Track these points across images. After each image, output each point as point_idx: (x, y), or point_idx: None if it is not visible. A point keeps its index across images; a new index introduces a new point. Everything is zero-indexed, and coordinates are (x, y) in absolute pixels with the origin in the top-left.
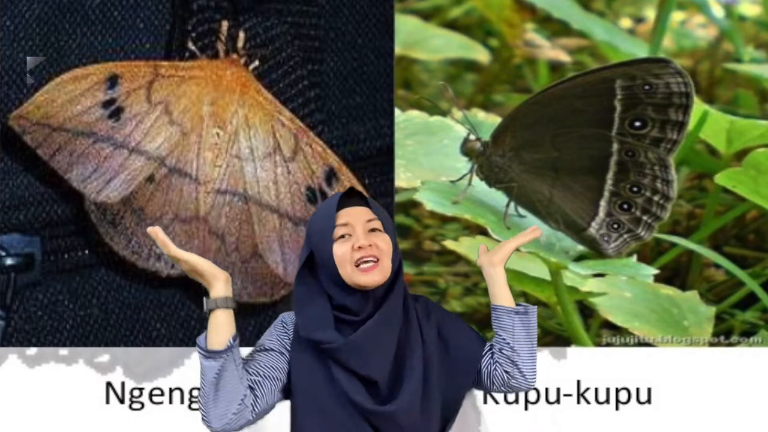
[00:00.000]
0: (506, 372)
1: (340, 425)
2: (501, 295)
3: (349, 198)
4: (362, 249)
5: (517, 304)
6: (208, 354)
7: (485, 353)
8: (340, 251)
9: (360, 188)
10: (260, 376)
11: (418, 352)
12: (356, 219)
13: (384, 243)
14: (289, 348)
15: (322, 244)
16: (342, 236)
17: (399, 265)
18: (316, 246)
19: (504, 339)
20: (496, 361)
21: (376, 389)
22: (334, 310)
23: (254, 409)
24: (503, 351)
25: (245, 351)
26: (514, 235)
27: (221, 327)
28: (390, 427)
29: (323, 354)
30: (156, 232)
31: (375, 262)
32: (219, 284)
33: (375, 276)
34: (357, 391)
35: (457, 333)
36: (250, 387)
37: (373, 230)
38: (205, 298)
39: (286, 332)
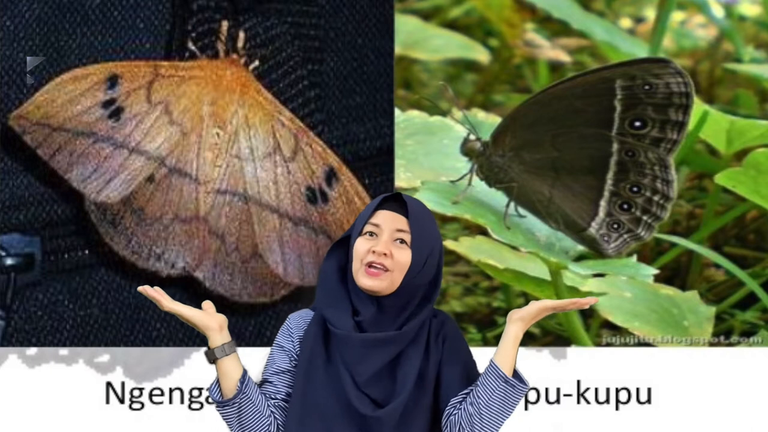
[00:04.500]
0: (461, 424)
1: (325, 416)
2: (502, 353)
3: (393, 202)
4: (376, 254)
5: (514, 375)
6: (222, 403)
7: (460, 394)
8: (360, 247)
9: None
10: (279, 399)
11: (414, 368)
12: (387, 224)
13: (402, 257)
14: (296, 355)
15: (353, 233)
16: (368, 233)
17: (433, 289)
18: (353, 230)
19: (478, 396)
20: (460, 409)
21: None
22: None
23: None
24: (471, 405)
25: (246, 351)
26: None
27: (227, 374)
28: (365, 427)
29: (331, 346)
30: (145, 289)
31: (384, 270)
32: (214, 334)
33: (374, 281)
34: (354, 387)
35: (450, 359)
36: (273, 412)
37: (398, 241)
38: (204, 351)
39: (291, 339)
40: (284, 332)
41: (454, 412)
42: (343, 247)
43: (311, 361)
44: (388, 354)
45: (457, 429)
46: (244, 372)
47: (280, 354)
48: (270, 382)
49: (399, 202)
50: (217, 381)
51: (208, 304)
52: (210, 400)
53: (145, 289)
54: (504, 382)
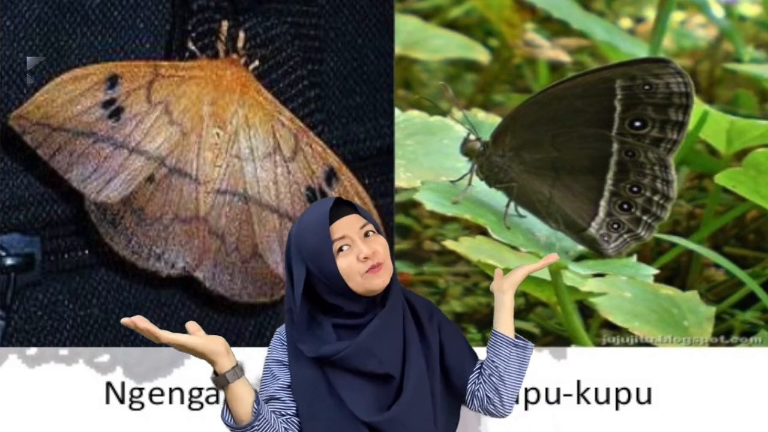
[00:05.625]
0: (487, 396)
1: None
2: (504, 322)
3: (337, 208)
4: (368, 260)
5: (517, 337)
6: (240, 429)
7: (474, 370)
8: (346, 264)
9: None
10: (290, 415)
11: (417, 348)
12: (351, 229)
13: (381, 246)
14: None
15: (322, 260)
16: (341, 249)
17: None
18: (314, 263)
19: (496, 366)
20: (481, 383)
21: (388, 389)
22: (338, 317)
23: None
24: (492, 377)
25: (246, 351)
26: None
27: (240, 399)
28: (396, 430)
29: (325, 366)
30: (135, 322)
31: (379, 266)
32: (221, 359)
33: (384, 278)
34: (359, 402)
35: (453, 342)
36: (286, 428)
37: (367, 234)
38: (212, 378)
39: (285, 351)
40: (278, 346)
41: (477, 388)
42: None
43: (310, 390)
44: (395, 327)
45: (485, 400)
46: (256, 393)
47: (281, 369)
48: (278, 399)
49: (334, 206)
50: (226, 405)
51: (194, 327)
52: (227, 426)
53: (134, 322)
54: (514, 346)
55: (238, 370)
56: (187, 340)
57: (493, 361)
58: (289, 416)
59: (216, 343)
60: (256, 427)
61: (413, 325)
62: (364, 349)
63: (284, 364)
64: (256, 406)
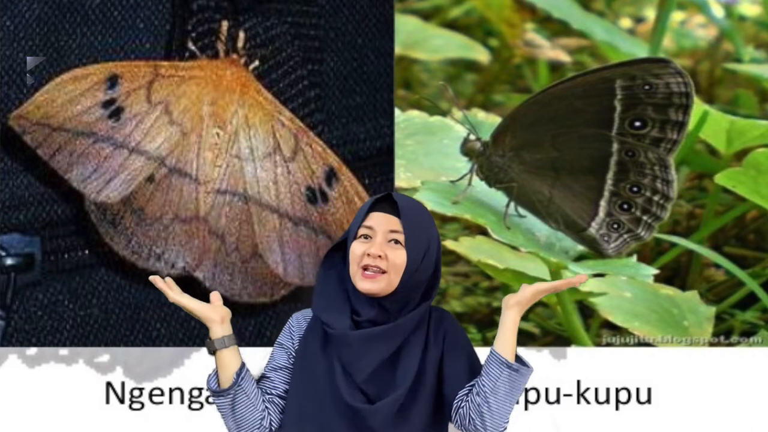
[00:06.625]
0: (470, 416)
1: (321, 410)
2: (502, 341)
3: (386, 203)
4: (370, 257)
5: (517, 359)
6: (218, 392)
7: (467, 385)
8: (357, 251)
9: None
10: (274, 395)
11: (414, 364)
12: (380, 226)
13: (397, 258)
14: (294, 352)
15: (349, 236)
16: (363, 236)
17: (432, 286)
18: (348, 235)
19: (483, 385)
20: (468, 401)
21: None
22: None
23: (272, 428)
24: (477, 396)
25: (246, 351)
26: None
27: (225, 366)
28: (361, 424)
29: (328, 343)
30: (155, 280)
31: (380, 272)
32: (215, 326)
33: (372, 284)
34: (346, 382)
35: (453, 351)
36: (267, 407)
37: (393, 242)
38: (205, 342)
39: (291, 338)
40: (285, 331)
41: (463, 405)
42: (340, 251)
43: (307, 359)
44: (387, 349)
45: (467, 420)
46: (242, 365)
47: (279, 351)
48: (267, 378)
49: (392, 202)
50: (216, 372)
51: (215, 296)
52: (208, 388)
53: (155, 280)
54: (507, 367)
55: (227, 340)
56: (187, 303)
57: (482, 379)
58: (272, 396)
59: (213, 312)
60: (231, 395)
61: (423, 338)
62: (345, 342)
63: (283, 347)
64: (235, 377)
